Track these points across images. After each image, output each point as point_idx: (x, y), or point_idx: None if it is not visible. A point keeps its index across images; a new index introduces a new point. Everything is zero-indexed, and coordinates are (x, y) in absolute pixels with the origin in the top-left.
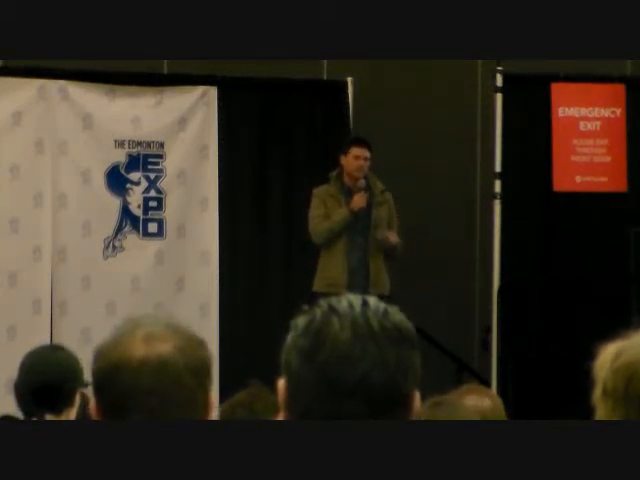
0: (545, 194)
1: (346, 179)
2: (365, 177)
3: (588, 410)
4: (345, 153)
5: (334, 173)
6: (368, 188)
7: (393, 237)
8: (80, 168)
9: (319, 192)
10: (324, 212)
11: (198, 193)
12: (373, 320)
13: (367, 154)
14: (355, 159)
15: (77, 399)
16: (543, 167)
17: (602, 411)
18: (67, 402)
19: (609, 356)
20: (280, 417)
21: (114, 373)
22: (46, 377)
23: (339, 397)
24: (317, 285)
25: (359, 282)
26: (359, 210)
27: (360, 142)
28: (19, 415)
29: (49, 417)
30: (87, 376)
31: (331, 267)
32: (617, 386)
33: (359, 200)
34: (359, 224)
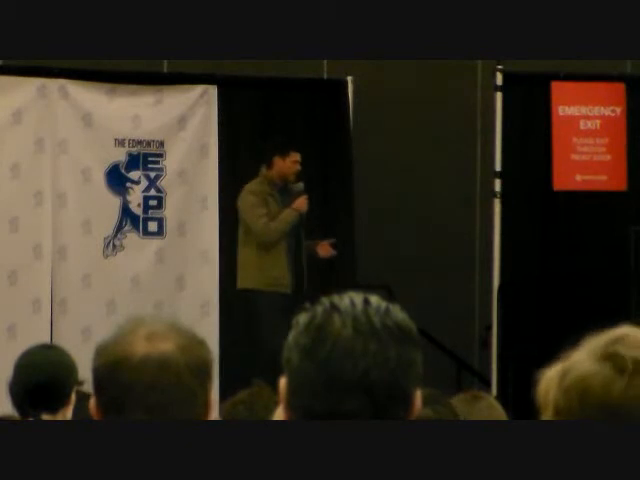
0: (545, 193)
1: (276, 179)
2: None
3: None
4: (284, 156)
5: (264, 171)
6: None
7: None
8: (80, 167)
9: (255, 190)
10: (267, 211)
11: (198, 192)
12: (375, 318)
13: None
14: (293, 164)
15: (73, 397)
16: (543, 166)
17: None
18: (63, 401)
19: (554, 378)
20: (280, 414)
21: (114, 370)
22: (40, 377)
23: (340, 394)
24: (252, 282)
25: (298, 281)
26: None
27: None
28: (16, 415)
29: (45, 417)
30: (85, 374)
31: (272, 266)
32: (571, 404)
33: (303, 203)
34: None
